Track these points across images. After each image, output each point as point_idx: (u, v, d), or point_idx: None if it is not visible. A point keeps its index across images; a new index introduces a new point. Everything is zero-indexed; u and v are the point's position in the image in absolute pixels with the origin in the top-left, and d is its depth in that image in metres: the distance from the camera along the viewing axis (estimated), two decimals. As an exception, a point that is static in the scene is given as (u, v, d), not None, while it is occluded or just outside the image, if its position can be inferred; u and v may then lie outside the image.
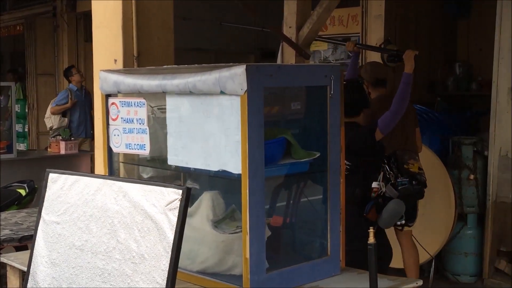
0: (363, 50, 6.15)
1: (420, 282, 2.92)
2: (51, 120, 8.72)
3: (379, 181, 4.23)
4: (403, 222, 4.46)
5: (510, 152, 5.49)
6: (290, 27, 3.84)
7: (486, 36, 5.67)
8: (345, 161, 4.27)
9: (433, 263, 5.69)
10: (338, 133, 3.03)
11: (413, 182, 4.31)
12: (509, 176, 5.52)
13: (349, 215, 4.37)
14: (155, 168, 3.53)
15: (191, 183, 3.46)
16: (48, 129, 8.97)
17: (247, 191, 2.71)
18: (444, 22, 7.18)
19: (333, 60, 7.54)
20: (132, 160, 3.59)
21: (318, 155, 3.02)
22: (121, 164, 3.58)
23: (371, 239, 2.20)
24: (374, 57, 6.27)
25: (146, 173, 3.63)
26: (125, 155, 3.49)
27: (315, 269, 3.04)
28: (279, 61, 3.89)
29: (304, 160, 2.99)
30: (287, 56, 3.86)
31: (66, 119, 8.66)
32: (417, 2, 6.74)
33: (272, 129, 2.97)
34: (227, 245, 3.03)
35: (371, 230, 2.25)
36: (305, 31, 3.80)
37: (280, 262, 3.11)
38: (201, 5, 8.92)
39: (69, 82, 8.86)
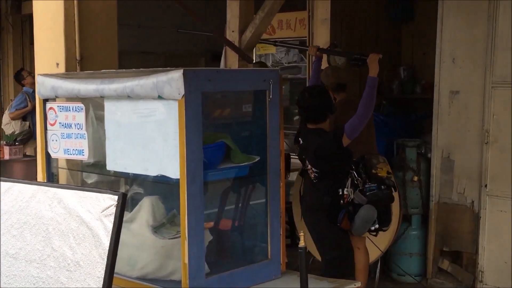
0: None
1: (359, 284, 2.96)
2: (11, 126, 8.50)
3: (347, 188, 4.25)
4: (377, 226, 4.43)
5: (452, 154, 5.61)
6: (233, 31, 3.85)
7: (429, 40, 5.78)
8: (313, 168, 4.33)
9: (379, 264, 5.76)
10: (277, 137, 3.05)
11: (382, 186, 4.31)
12: (451, 177, 5.63)
13: (321, 223, 4.41)
14: (96, 174, 3.49)
15: (136, 188, 3.44)
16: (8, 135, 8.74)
17: (186, 195, 2.71)
18: (389, 26, 7.30)
19: (285, 63, 7.60)
20: (76, 166, 3.54)
21: (257, 159, 3.04)
22: (64, 170, 3.52)
23: (302, 243, 2.22)
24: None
25: (91, 178, 3.58)
26: (69, 160, 3.44)
27: (256, 272, 3.06)
28: (222, 65, 3.90)
29: (244, 164, 3.01)
30: (230, 60, 3.86)
31: (27, 123, 8.45)
32: (362, 7, 6.85)
33: (212, 134, 2.97)
34: (167, 250, 3.02)
35: (301, 234, 2.27)
36: (247, 35, 3.81)
37: (222, 266, 3.12)
38: (152, 8, 8.86)
39: (22, 85, 8.67)
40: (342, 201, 4.24)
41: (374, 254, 5.47)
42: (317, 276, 3.05)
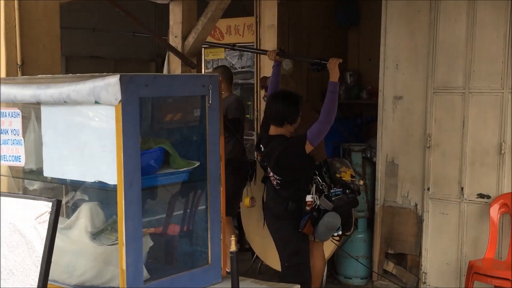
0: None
1: (297, 287, 2.99)
2: None
3: (312, 194, 4.20)
4: (340, 233, 4.41)
5: (396, 158, 5.72)
6: (175, 37, 3.84)
7: (374, 46, 5.89)
8: (275, 176, 4.29)
9: (325, 267, 5.83)
10: (217, 142, 3.05)
11: (347, 191, 4.29)
12: (395, 181, 5.75)
13: (284, 230, 4.38)
14: (38, 180, 3.43)
15: (80, 194, 3.40)
16: None
17: (123, 201, 2.70)
18: (336, 31, 7.40)
19: (239, 68, 7.62)
20: (19, 173, 3.47)
21: (197, 164, 3.03)
22: (6, 178, 3.45)
23: (233, 247, 2.24)
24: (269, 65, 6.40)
25: (32, 185, 3.52)
26: (12, 167, 3.37)
27: (196, 277, 3.05)
28: (165, 71, 3.89)
29: (184, 169, 3.00)
30: (173, 65, 3.86)
31: None
32: (309, 12, 6.92)
33: (150, 139, 2.96)
34: (105, 257, 2.99)
35: (232, 238, 2.28)
36: (190, 40, 3.81)
37: (163, 272, 3.10)
38: (106, 11, 8.77)
39: None
40: (306, 208, 4.20)
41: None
42: (256, 280, 3.06)
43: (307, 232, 4.27)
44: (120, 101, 2.63)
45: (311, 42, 7.01)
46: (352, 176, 4.41)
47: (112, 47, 9.21)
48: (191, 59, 3.79)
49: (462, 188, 5.29)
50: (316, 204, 4.19)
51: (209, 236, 3.08)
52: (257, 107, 6.68)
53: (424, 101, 5.48)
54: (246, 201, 5.60)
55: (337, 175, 4.35)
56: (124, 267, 2.73)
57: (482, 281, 4.82)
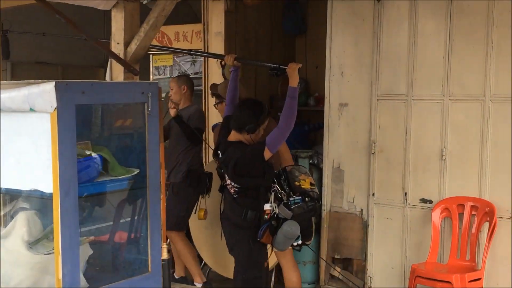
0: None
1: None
2: None
3: (271, 202, 4.11)
4: (300, 242, 4.27)
5: (342, 164, 5.79)
6: (118, 43, 3.82)
7: (321, 54, 5.95)
8: (232, 183, 4.20)
9: (273, 273, 5.86)
10: (157, 150, 3.06)
11: (306, 199, 4.17)
12: (341, 187, 5.82)
13: (242, 241, 4.24)
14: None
15: (22, 203, 3.35)
16: None
17: (59, 210, 2.67)
18: (283, 39, 7.47)
19: (191, 73, 7.60)
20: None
21: (137, 172, 3.03)
22: None
23: (164, 255, 2.24)
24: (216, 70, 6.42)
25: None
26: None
27: (136, 285, 3.04)
28: (107, 78, 3.87)
29: (122, 177, 3.00)
30: (115, 72, 3.84)
31: None
32: (256, 20, 6.97)
33: (88, 147, 2.94)
34: (42, 266, 2.96)
35: (164, 246, 2.28)
36: (132, 47, 3.79)
37: (103, 281, 3.08)
38: (50, 17, 8.64)
39: None
40: (265, 216, 4.09)
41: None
42: (193, 287, 3.07)
43: (265, 242, 4.17)
44: (55, 108, 2.61)
45: (259, 50, 7.05)
46: (311, 184, 4.31)
47: (60, 53, 9.08)
48: (133, 66, 3.77)
49: (405, 193, 5.39)
50: (275, 212, 4.09)
51: (149, 244, 3.08)
52: (205, 113, 6.67)
53: (369, 108, 5.57)
54: (200, 213, 5.49)
55: (296, 183, 4.25)
56: (60, 276, 2.71)
57: (424, 284, 4.91)
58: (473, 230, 4.96)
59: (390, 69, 5.44)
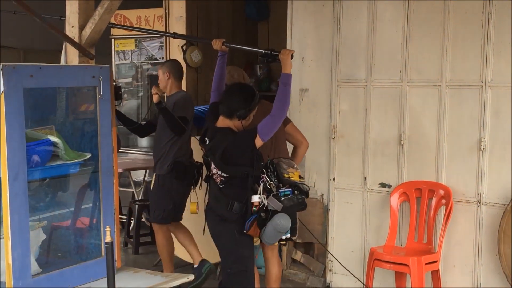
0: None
1: (192, 277, 3.02)
2: None
3: (259, 194, 3.89)
4: (289, 236, 4.04)
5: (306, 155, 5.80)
6: (72, 27, 3.76)
7: (283, 40, 5.95)
8: (219, 172, 3.97)
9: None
10: (109, 134, 3.05)
11: (296, 192, 3.99)
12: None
13: (228, 234, 4.02)
14: None
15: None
16: None
17: (8, 195, 2.65)
18: (246, 24, 7.45)
19: (160, 58, 7.54)
20: None
21: (88, 156, 3.02)
22: None
23: (108, 238, 2.24)
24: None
25: None
26: None
27: (89, 270, 3.04)
28: (62, 61, 3.80)
29: (74, 161, 2.98)
30: (70, 56, 3.77)
31: None
32: (218, 5, 6.94)
33: (52, 132, 2.92)
34: (-6, 251, 2.93)
35: (107, 229, 2.28)
36: (87, 31, 3.73)
37: (56, 265, 3.07)
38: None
39: None
40: (254, 208, 3.87)
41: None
42: (151, 271, 3.08)
43: (252, 234, 3.97)
44: (2, 92, 2.58)
45: (221, 35, 6.93)
46: (300, 177, 4.11)
47: (22, 37, 8.92)
48: (88, 50, 3.72)
49: (365, 178, 5.45)
50: (264, 204, 3.87)
51: (101, 228, 3.08)
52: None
53: (329, 94, 5.60)
54: (192, 207, 5.18)
55: (285, 175, 4.02)
56: (10, 261, 2.69)
57: (382, 267, 4.98)
58: (430, 213, 5.04)
59: (350, 55, 5.47)
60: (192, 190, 5.30)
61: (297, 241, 6.00)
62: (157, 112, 5.32)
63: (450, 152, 5.01)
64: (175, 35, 5.02)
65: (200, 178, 5.22)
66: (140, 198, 7.11)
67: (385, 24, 5.26)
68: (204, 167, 4.58)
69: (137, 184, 7.32)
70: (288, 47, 5.78)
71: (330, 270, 5.71)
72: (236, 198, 3.95)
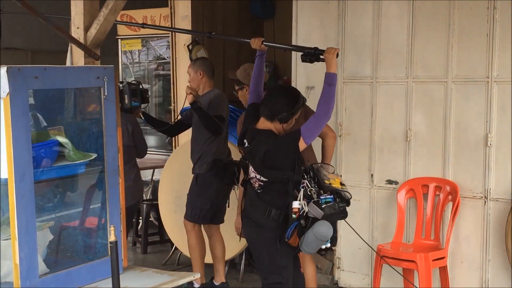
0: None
1: (198, 275, 3.04)
2: None
3: (300, 200, 3.64)
4: (329, 245, 3.80)
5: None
6: (78, 28, 3.78)
7: (289, 38, 5.96)
8: (258, 176, 3.77)
9: (244, 256, 5.91)
10: (114, 134, 3.06)
11: (337, 199, 3.75)
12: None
13: (265, 241, 3.78)
14: None
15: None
16: None
17: (14, 195, 2.67)
18: (252, 22, 7.46)
19: (167, 57, 7.57)
20: None
21: (94, 156, 3.04)
22: None
23: (112, 237, 2.26)
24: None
25: None
26: None
27: (96, 269, 3.06)
28: (68, 63, 3.83)
29: (80, 161, 3.00)
30: (76, 57, 3.79)
31: None
32: (224, 4, 6.96)
33: (61, 132, 2.95)
34: (2, 252, 2.95)
35: (112, 228, 2.29)
36: (92, 32, 3.75)
37: (63, 265, 3.10)
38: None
39: None
40: (293, 215, 3.63)
41: (239, 246, 5.62)
42: (158, 270, 3.11)
43: (291, 243, 3.71)
44: (8, 93, 2.60)
45: (227, 34, 7.05)
46: (341, 184, 3.87)
47: (30, 38, 8.98)
48: (94, 51, 3.74)
49: (372, 175, 5.45)
50: (304, 211, 3.62)
51: (108, 228, 3.09)
52: (174, 98, 6.67)
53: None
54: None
55: (326, 182, 3.79)
56: (17, 261, 2.72)
57: (390, 264, 4.97)
58: (438, 210, 5.04)
59: (355, 52, 5.47)
60: (233, 189, 5.17)
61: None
62: (189, 112, 5.22)
63: (456, 148, 5.00)
64: (211, 35, 4.79)
65: (239, 175, 4.93)
66: (148, 198, 7.15)
67: (390, 20, 5.26)
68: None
69: (145, 183, 7.35)
70: (293, 43, 5.79)
71: (338, 268, 5.72)
72: (274, 204, 3.73)
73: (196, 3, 6.49)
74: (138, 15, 7.35)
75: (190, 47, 6.43)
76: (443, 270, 4.93)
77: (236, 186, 5.07)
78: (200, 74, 5.23)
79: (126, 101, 4.60)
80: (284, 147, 3.72)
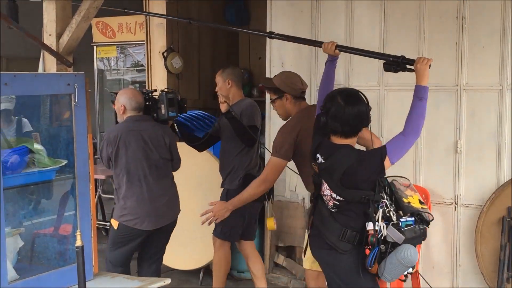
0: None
1: (168, 281, 3.05)
2: None
3: (377, 222, 3.28)
4: (411, 271, 3.40)
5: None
6: (50, 35, 3.79)
7: (264, 45, 6.02)
8: (334, 195, 3.40)
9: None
10: (85, 141, 3.08)
11: (418, 221, 3.37)
12: (283, 176, 5.88)
13: (344, 269, 3.42)
14: None
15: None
16: None
17: (-18, 202, 2.67)
18: (226, 30, 7.50)
19: (145, 64, 7.57)
20: None
21: (65, 162, 3.05)
22: None
23: (78, 242, 2.27)
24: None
25: None
26: None
27: (66, 275, 3.06)
28: (40, 69, 3.84)
29: (49, 168, 3.01)
30: (48, 64, 3.80)
31: None
32: (198, 11, 6.98)
33: (37, 140, 2.95)
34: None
35: (77, 233, 2.31)
36: (65, 38, 3.76)
37: (33, 272, 3.10)
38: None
39: None
40: (372, 239, 3.27)
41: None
42: (129, 276, 3.12)
43: (372, 271, 3.36)
44: (-24, 100, 2.61)
45: (202, 41, 7.09)
46: (421, 202, 3.49)
47: (5, 45, 8.92)
48: (66, 58, 3.75)
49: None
50: (382, 234, 3.27)
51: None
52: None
53: (309, 99, 5.64)
54: (270, 223, 4.82)
55: (405, 200, 3.41)
56: (-14, 267, 2.71)
57: (362, 269, 5.03)
58: (409, 215, 5.09)
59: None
60: (266, 204, 4.96)
61: (279, 244, 6.04)
62: (217, 124, 5.01)
63: (427, 154, 5.08)
64: (271, 35, 4.28)
65: (272, 191, 4.75)
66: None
67: (362, 28, 5.33)
68: None
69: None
70: (267, 52, 5.85)
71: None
72: (349, 225, 3.38)
73: (171, 11, 6.51)
74: (114, 22, 7.36)
75: (165, 54, 6.45)
76: (415, 275, 4.98)
77: (266, 203, 4.95)
78: (229, 84, 4.96)
79: (163, 111, 4.49)
80: (369, 166, 3.33)
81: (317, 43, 4.06)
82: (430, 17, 4.97)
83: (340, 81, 5.45)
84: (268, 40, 5.84)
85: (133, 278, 3.12)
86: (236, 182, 4.88)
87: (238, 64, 7.59)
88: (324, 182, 3.46)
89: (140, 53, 7.84)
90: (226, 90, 4.94)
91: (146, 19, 6.50)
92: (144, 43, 6.67)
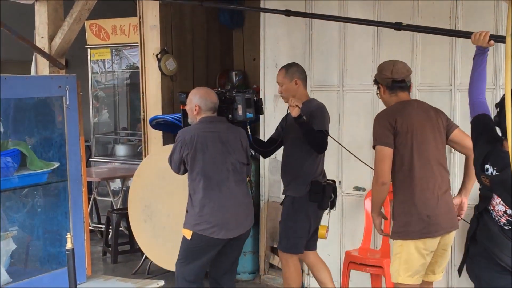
0: None
1: (162, 283, 3.05)
2: None
3: None
4: None
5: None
6: (42, 37, 3.79)
7: (258, 47, 6.02)
8: (510, 211, 3.06)
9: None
10: (77, 143, 3.07)
11: None
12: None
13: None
14: None
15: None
16: None
17: (-27, 205, 2.67)
18: (221, 32, 7.50)
19: (139, 66, 7.53)
20: None
21: (56, 165, 3.04)
22: None
23: (69, 245, 2.27)
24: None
25: None
26: None
27: (58, 278, 3.06)
28: (33, 72, 3.83)
29: (42, 171, 3.00)
30: (40, 66, 3.80)
31: None
32: (192, 13, 6.98)
33: (5, 142, 2.94)
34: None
35: (68, 236, 2.30)
36: (57, 41, 3.77)
37: (26, 275, 3.09)
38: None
39: None
40: None
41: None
42: (121, 278, 3.11)
43: None
44: (-33, 103, 2.60)
45: (196, 43, 7.08)
46: None
47: (-1, 47, 8.88)
48: (58, 60, 3.75)
49: (340, 182, 5.50)
50: None
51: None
52: (143, 107, 6.66)
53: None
54: (322, 231, 4.66)
55: None
56: (-23, 271, 2.70)
57: (357, 270, 5.03)
58: (404, 215, 5.08)
59: (322, 60, 5.54)
60: (327, 213, 4.70)
61: (275, 245, 6.03)
62: (280, 127, 4.79)
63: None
64: (399, 26, 3.84)
65: (335, 198, 4.62)
66: (118, 207, 7.12)
67: (356, 29, 5.34)
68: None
69: (115, 193, 7.33)
70: (261, 53, 5.85)
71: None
72: None
73: (165, 13, 6.51)
74: (108, 24, 7.35)
75: (159, 56, 6.45)
76: (410, 275, 4.98)
77: (329, 211, 4.70)
78: (296, 83, 4.58)
79: (240, 111, 4.24)
80: None
81: (463, 34, 3.67)
82: (423, 17, 4.97)
83: (334, 82, 5.46)
84: (261, 40, 5.84)
85: (126, 280, 3.11)
86: (303, 189, 4.56)
87: (232, 66, 7.58)
88: (496, 196, 3.09)
89: (135, 55, 7.82)
90: (294, 90, 4.54)
91: (140, 21, 6.49)
92: (137, 45, 6.65)
